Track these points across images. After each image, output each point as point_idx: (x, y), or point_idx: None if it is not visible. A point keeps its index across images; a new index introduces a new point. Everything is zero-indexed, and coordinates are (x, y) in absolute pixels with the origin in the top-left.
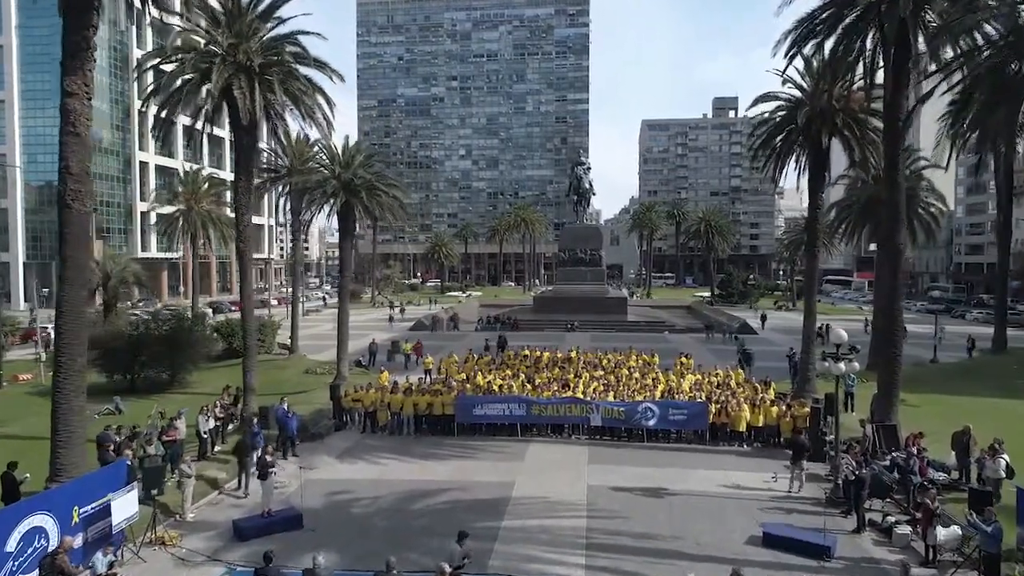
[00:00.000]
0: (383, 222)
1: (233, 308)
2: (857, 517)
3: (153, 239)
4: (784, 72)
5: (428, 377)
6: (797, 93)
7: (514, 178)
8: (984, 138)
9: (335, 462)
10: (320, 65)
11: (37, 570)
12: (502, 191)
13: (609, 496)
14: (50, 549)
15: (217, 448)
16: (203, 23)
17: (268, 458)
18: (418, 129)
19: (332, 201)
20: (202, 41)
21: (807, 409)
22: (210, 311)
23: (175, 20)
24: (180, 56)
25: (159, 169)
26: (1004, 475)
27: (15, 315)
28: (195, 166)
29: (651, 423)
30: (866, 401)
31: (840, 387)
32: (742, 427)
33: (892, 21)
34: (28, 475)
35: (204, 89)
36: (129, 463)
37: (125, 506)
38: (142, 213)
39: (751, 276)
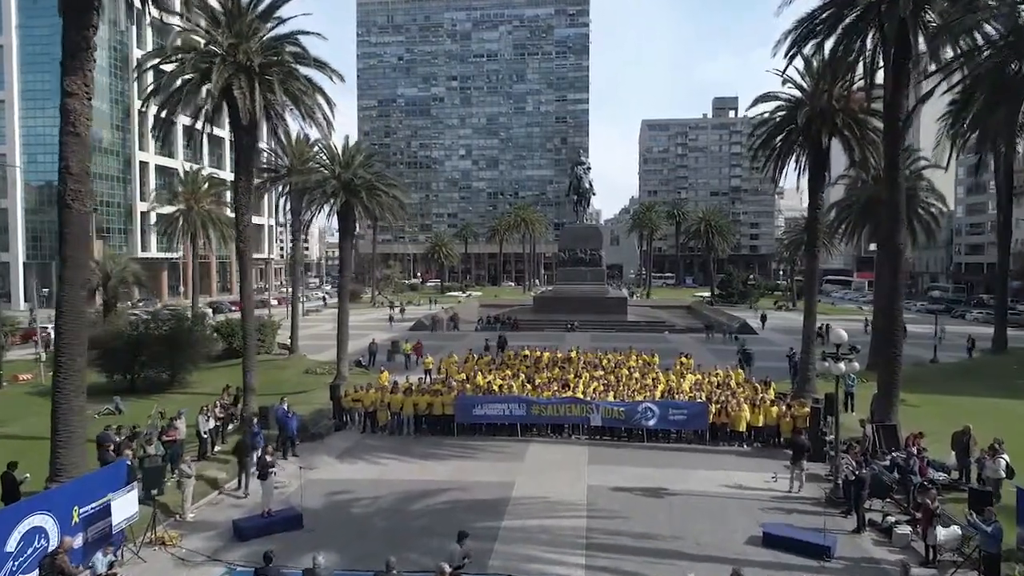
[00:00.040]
0: (383, 222)
1: (233, 308)
2: (857, 517)
3: (153, 239)
4: (784, 72)
5: (428, 377)
6: (797, 93)
7: (514, 178)
8: (984, 138)
9: (335, 462)
10: (320, 65)
11: (37, 570)
12: (502, 191)
13: (609, 496)
14: (50, 549)
15: (217, 448)
16: (203, 23)
17: (268, 458)
18: (418, 129)
19: (332, 201)
20: (202, 41)
21: (807, 409)
22: (210, 311)
23: (175, 20)
24: (180, 56)
25: (159, 169)
26: (1004, 475)
27: (15, 315)
28: (195, 166)
29: (651, 423)
30: (866, 401)
31: (840, 387)
32: (742, 427)
33: (892, 21)
34: (28, 475)
35: (204, 89)
36: (129, 463)
37: (125, 506)
38: (142, 213)
39: (751, 276)
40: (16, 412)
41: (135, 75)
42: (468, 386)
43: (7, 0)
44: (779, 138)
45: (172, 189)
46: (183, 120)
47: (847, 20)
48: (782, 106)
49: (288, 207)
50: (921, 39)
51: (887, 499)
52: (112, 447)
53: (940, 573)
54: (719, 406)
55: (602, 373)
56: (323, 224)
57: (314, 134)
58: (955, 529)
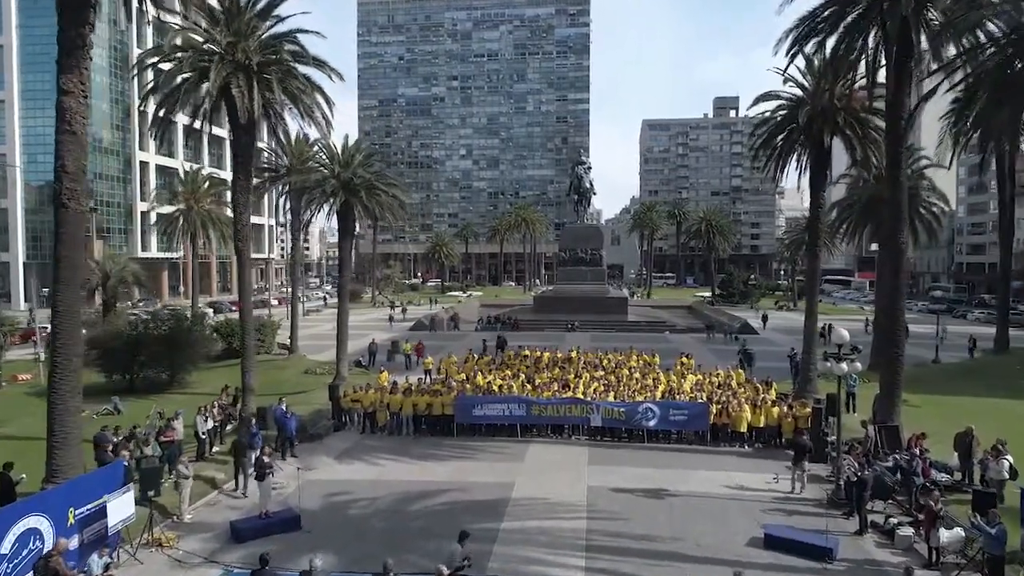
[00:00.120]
0: (383, 222)
1: (233, 308)
2: (859, 519)
3: (153, 239)
4: (785, 71)
5: (428, 377)
6: (798, 92)
7: (515, 178)
8: (987, 137)
9: (334, 463)
10: (319, 64)
11: (31, 573)
12: (503, 191)
13: (609, 497)
14: (45, 551)
15: (215, 449)
16: (202, 22)
17: (266, 459)
18: (419, 129)
19: (331, 201)
20: (201, 40)
21: (808, 410)
22: (210, 311)
23: (174, 18)
24: (178, 55)
25: (159, 169)
26: (1008, 476)
27: (15, 315)
28: (195, 166)
29: (652, 424)
30: (868, 401)
31: (842, 387)
32: (743, 428)
33: (894, 19)
34: (24, 476)
35: (203, 88)
36: (126, 464)
37: (121, 507)
38: (142, 213)
39: (752, 276)
40: (14, 412)
41: (134, 73)
42: (468, 386)
43: (7, 0)
44: (780, 137)
45: (172, 189)
46: (183, 120)
47: (849, 18)
48: (783, 105)
49: (288, 207)
50: (923, 37)
51: (889, 500)
52: (110, 448)
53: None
54: (720, 406)
55: (602, 373)
56: (324, 224)
57: (314, 133)
58: (958, 531)
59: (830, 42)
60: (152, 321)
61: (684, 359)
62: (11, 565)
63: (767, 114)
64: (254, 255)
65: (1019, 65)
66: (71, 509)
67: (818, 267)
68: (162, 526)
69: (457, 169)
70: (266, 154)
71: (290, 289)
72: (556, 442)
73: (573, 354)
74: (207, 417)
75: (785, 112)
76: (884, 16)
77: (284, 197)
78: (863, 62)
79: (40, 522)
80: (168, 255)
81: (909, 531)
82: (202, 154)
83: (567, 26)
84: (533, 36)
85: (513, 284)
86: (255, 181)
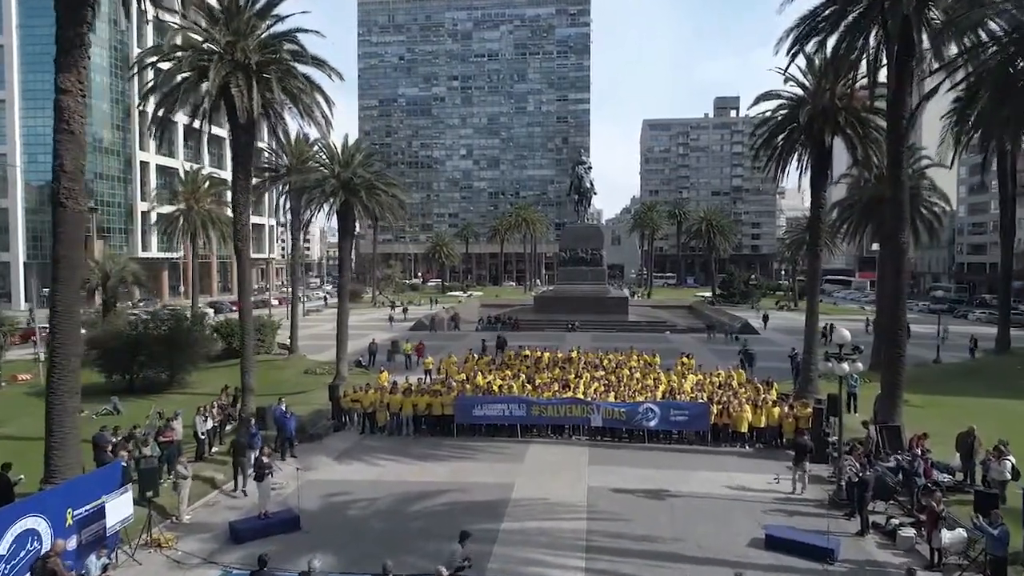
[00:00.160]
0: (383, 222)
1: (233, 308)
2: (861, 519)
3: (153, 239)
4: (786, 70)
5: (428, 377)
6: (799, 91)
7: (515, 178)
8: (988, 136)
9: (333, 463)
10: (318, 63)
11: (29, 574)
12: (503, 191)
13: (610, 498)
14: (43, 552)
15: (215, 449)
16: (201, 21)
17: (265, 459)
18: (419, 129)
19: (331, 200)
20: (200, 39)
21: (810, 410)
22: (210, 311)
23: (174, 18)
24: (178, 54)
25: (159, 169)
26: (1010, 477)
27: (15, 315)
28: (195, 166)
29: (652, 424)
30: (869, 402)
31: (843, 388)
32: (744, 428)
33: (895, 18)
34: (23, 476)
35: (202, 87)
36: (124, 464)
37: (120, 508)
38: (142, 213)
39: (753, 276)
40: (13, 412)
41: (133, 73)
42: (468, 386)
43: (7, 0)
44: (781, 137)
45: (172, 189)
46: (183, 119)
47: (850, 17)
48: (784, 105)
49: (288, 207)
50: (925, 36)
51: (891, 501)
52: (109, 448)
53: None
54: (721, 407)
55: (603, 373)
56: (324, 224)
57: (314, 133)
58: (960, 532)
59: (831, 41)
60: (152, 321)
61: (685, 359)
62: (9, 566)
63: (768, 114)
64: (254, 255)
65: (1021, 64)
66: (69, 510)
67: (819, 267)
68: (161, 527)
69: (457, 169)
70: (266, 154)
71: (290, 289)
72: (556, 442)
73: (573, 354)
74: (206, 417)
75: (786, 112)
76: (885, 15)
77: (284, 197)
78: (864, 61)
79: (38, 523)
80: (168, 255)
81: (911, 532)
82: (202, 154)
83: (567, 26)
84: (533, 36)
85: (513, 284)
86: (255, 181)
